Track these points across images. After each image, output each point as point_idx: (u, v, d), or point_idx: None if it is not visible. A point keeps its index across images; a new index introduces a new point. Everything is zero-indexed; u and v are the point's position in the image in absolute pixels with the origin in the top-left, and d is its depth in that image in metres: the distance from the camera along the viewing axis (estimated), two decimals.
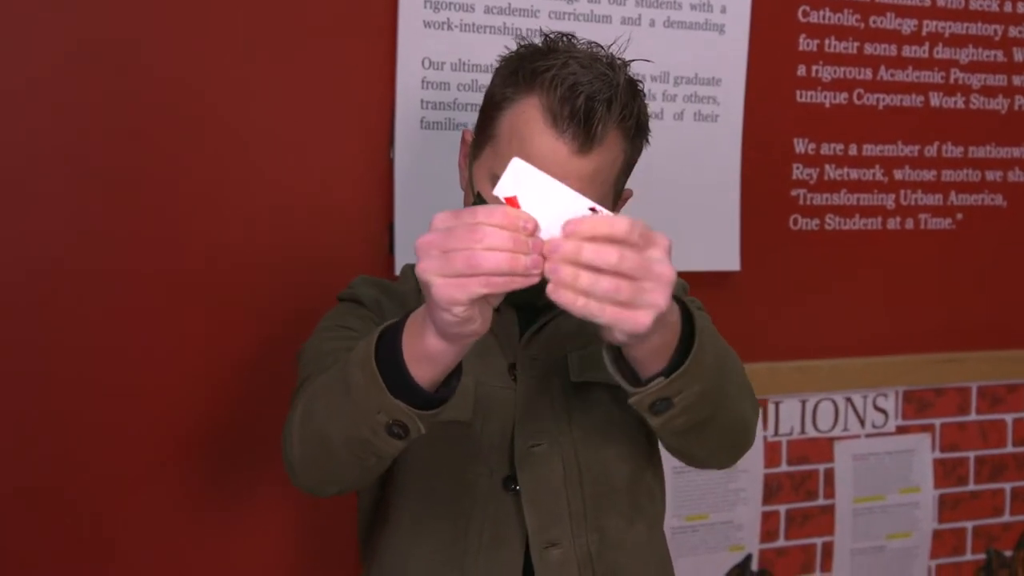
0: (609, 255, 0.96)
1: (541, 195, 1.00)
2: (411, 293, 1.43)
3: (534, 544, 1.33)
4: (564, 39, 1.33)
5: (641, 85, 1.33)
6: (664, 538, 1.48)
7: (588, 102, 1.24)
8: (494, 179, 1.28)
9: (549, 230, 0.98)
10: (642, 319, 0.99)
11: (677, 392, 1.11)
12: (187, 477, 1.73)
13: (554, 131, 1.25)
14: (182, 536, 1.74)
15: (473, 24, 1.80)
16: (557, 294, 0.97)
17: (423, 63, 1.78)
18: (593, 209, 0.99)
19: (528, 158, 1.23)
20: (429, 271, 0.98)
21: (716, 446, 1.29)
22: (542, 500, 1.35)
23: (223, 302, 1.72)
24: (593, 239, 0.97)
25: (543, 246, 0.97)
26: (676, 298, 1.06)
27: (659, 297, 0.99)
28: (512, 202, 1.00)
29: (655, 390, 1.10)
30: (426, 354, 1.06)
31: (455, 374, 1.11)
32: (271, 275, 1.74)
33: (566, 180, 1.24)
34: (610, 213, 0.99)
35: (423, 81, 1.78)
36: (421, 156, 1.78)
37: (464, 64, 1.80)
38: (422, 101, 1.78)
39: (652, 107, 1.92)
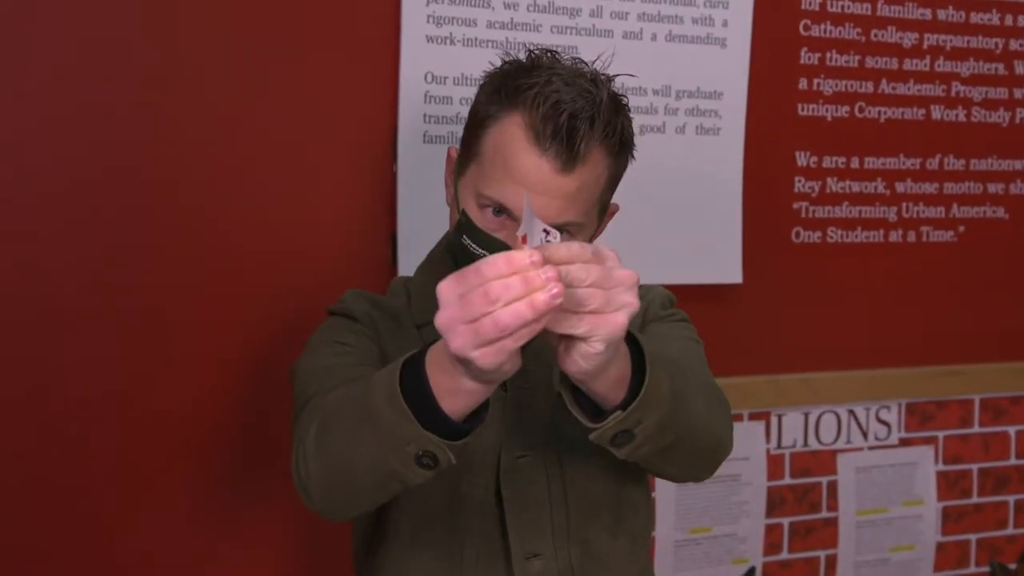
0: (577, 272, 0.99)
1: (531, 228, 1.03)
2: (402, 308, 1.44)
3: (516, 555, 1.34)
4: (548, 55, 1.33)
5: (625, 100, 1.33)
6: (648, 553, 1.48)
7: (571, 120, 1.24)
8: (479, 197, 1.30)
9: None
10: (619, 319, 1.00)
11: (636, 423, 1.11)
12: (180, 489, 1.74)
13: (537, 149, 1.25)
14: (173, 551, 1.74)
15: (475, 39, 1.81)
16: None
17: (426, 77, 1.79)
18: (546, 230, 1.03)
19: (512, 176, 1.26)
20: (464, 348, 0.98)
21: (687, 465, 1.29)
22: (525, 512, 1.35)
23: (225, 312, 1.73)
24: (558, 264, 0.99)
25: (559, 288, 0.96)
26: (631, 336, 1.09)
27: (629, 297, 1.01)
28: (523, 240, 1.02)
29: (613, 424, 1.11)
30: (462, 390, 1.06)
31: (483, 403, 1.11)
32: (274, 286, 1.75)
33: (551, 198, 1.26)
34: (556, 232, 1.03)
35: (426, 95, 1.79)
36: (423, 169, 1.78)
37: (466, 79, 1.80)
38: (425, 115, 1.79)
39: (654, 120, 1.93)
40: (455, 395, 1.06)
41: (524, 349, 1.35)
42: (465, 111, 1.77)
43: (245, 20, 1.70)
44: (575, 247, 1.00)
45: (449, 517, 1.35)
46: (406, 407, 1.07)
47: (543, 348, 1.36)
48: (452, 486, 1.34)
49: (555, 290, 0.95)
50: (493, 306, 0.95)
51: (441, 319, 0.99)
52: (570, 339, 1.02)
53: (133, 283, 1.68)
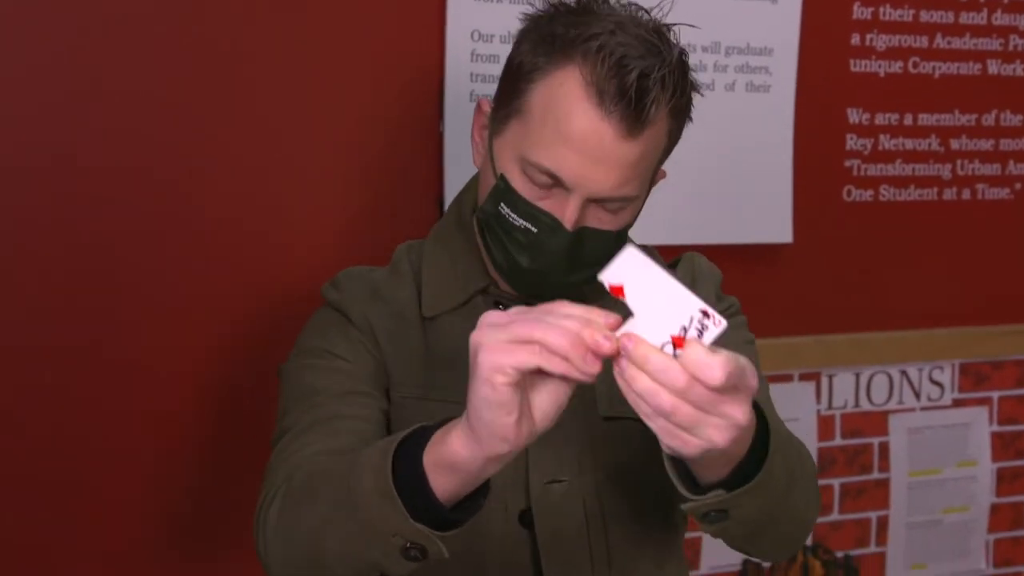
0: (676, 380, 0.83)
1: (651, 289, 0.88)
2: (407, 301, 1.28)
3: None
4: None
5: (686, 56, 1.19)
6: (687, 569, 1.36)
7: (641, 80, 1.10)
8: (523, 162, 1.16)
9: (653, 326, 0.87)
10: (691, 446, 0.86)
11: (736, 506, 0.98)
12: (182, 488, 1.72)
13: (599, 110, 1.11)
14: (172, 550, 1.72)
15: None
16: (617, 374, 0.87)
17: (472, 35, 1.78)
18: (705, 312, 0.86)
19: (566, 139, 1.12)
20: (480, 337, 0.86)
21: (770, 548, 1.18)
22: (561, 546, 1.20)
23: (267, 280, 1.72)
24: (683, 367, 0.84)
25: (611, 345, 0.85)
26: (755, 404, 0.91)
27: (718, 436, 0.85)
28: (617, 291, 0.89)
29: (712, 502, 0.97)
30: (450, 460, 0.92)
31: (482, 491, 0.97)
32: (315, 251, 1.74)
33: (609, 167, 1.12)
34: (722, 320, 0.86)
35: (472, 54, 1.78)
36: (470, 130, 1.77)
37: (514, 36, 1.78)
38: (471, 74, 1.78)
39: (703, 78, 1.89)
40: (444, 469, 0.93)
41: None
42: None
43: None
44: (715, 374, 0.83)
45: (464, 545, 1.08)
46: (394, 491, 0.94)
47: None
48: None
49: (591, 360, 0.84)
50: (539, 321, 0.85)
51: (485, 318, 0.88)
52: None
53: (184, 256, 1.68)
